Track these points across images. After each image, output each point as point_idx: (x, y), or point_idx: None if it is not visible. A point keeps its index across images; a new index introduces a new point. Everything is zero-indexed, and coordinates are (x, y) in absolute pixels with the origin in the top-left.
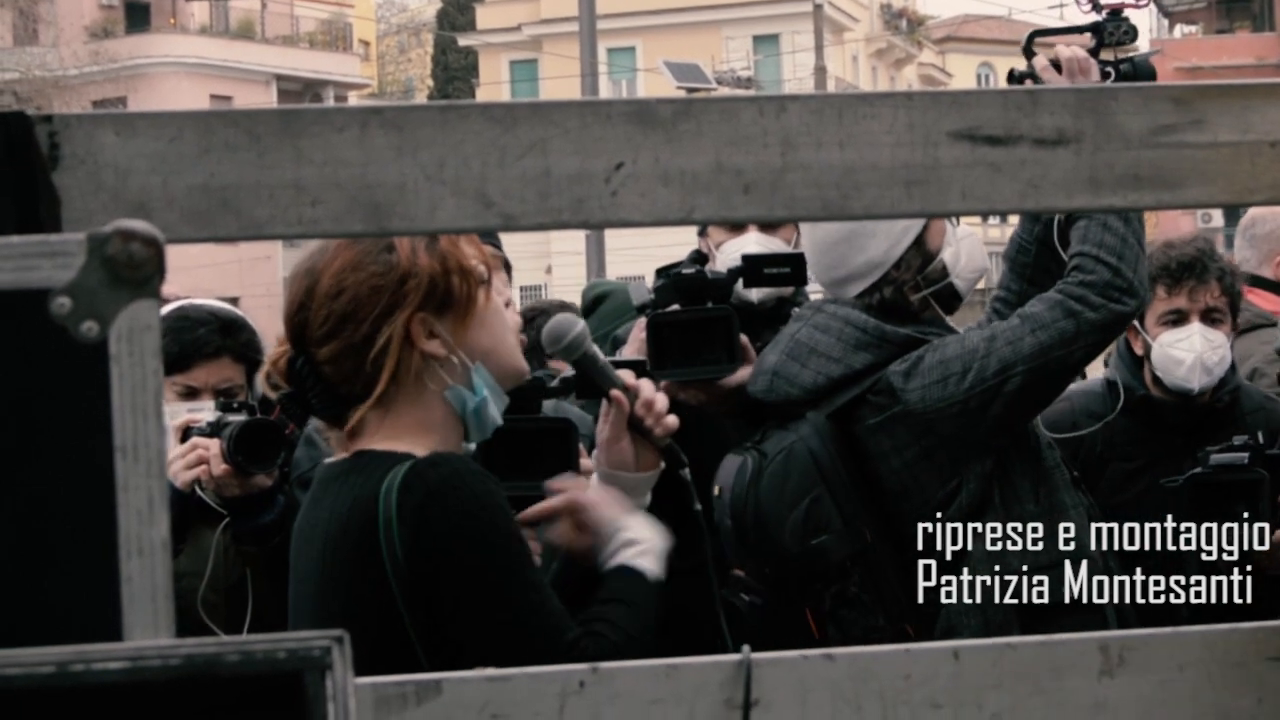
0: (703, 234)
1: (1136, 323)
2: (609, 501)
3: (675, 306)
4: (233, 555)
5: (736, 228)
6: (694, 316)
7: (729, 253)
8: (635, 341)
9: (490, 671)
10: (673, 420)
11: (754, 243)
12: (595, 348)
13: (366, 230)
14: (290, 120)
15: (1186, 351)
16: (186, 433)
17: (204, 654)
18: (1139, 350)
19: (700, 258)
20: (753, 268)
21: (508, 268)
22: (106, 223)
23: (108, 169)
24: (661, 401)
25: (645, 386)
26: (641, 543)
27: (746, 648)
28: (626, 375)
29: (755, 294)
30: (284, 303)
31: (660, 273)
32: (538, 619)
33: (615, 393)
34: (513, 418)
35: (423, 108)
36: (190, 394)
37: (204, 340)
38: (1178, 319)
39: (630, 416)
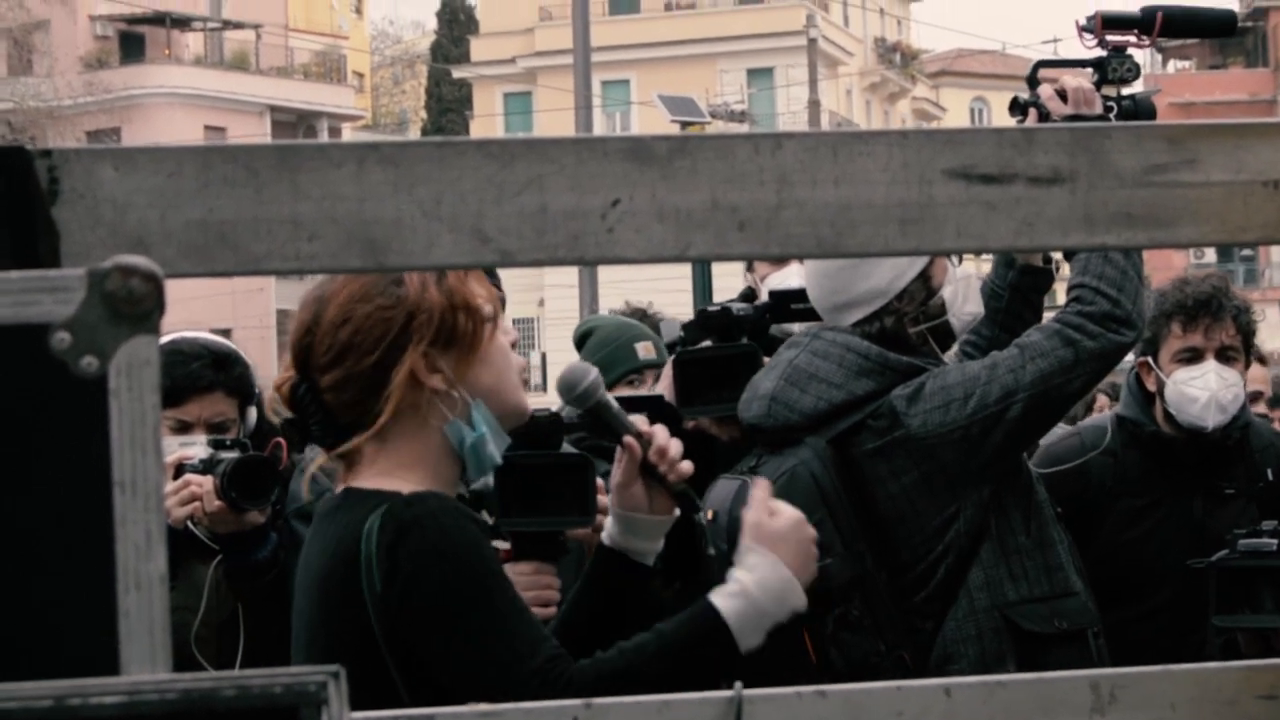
0: (750, 269)
1: (1150, 360)
2: (770, 527)
3: (706, 343)
4: (225, 590)
5: (780, 261)
6: (719, 353)
7: (772, 285)
8: (666, 379)
9: (482, 707)
10: (687, 466)
11: (795, 275)
12: (608, 396)
13: (364, 266)
14: (288, 156)
15: (1201, 390)
16: (180, 469)
17: (200, 689)
18: (1151, 387)
19: (750, 294)
20: (780, 303)
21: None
22: (105, 257)
23: (106, 204)
24: (675, 448)
25: (659, 433)
26: (742, 586)
27: (739, 684)
28: (640, 421)
29: (797, 328)
30: (291, 327)
31: (699, 312)
32: (503, 646)
33: (628, 439)
34: (530, 453)
35: (420, 144)
36: (183, 428)
37: (197, 375)
38: (1192, 357)
39: (644, 462)
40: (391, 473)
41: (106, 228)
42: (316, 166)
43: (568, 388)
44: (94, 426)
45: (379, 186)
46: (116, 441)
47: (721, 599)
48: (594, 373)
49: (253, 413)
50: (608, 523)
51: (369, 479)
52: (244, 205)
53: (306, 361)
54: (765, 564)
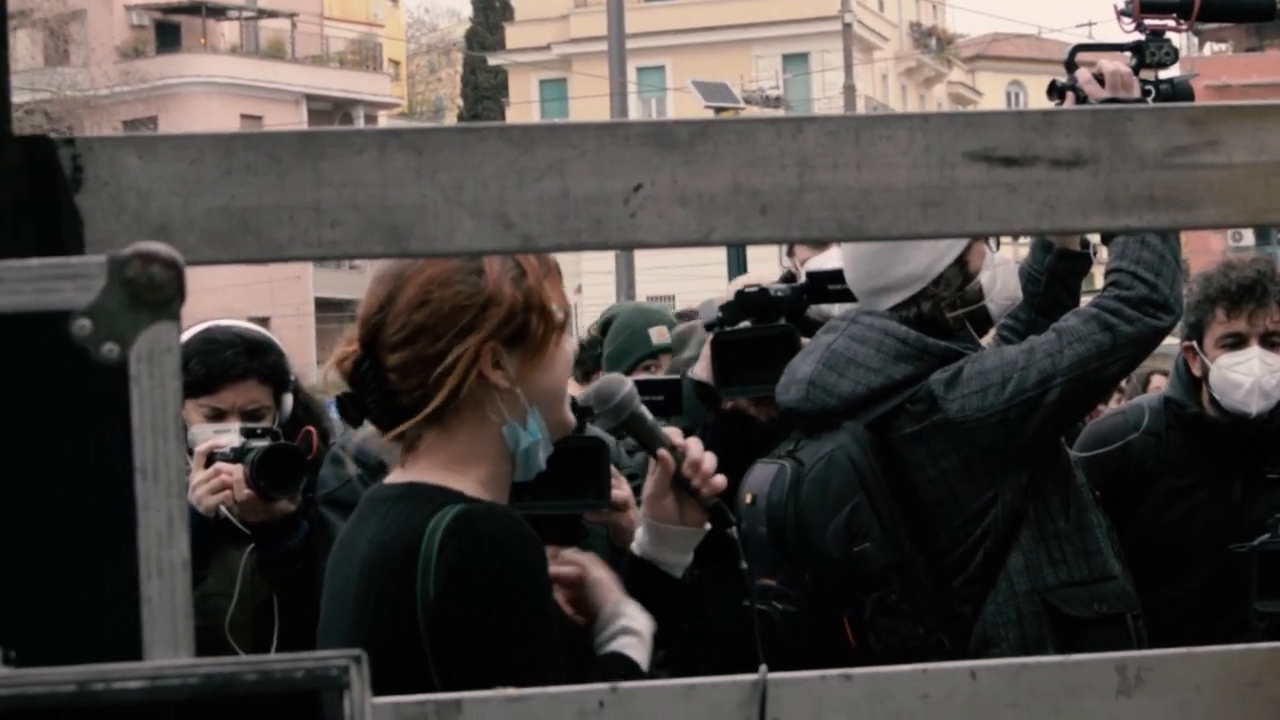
0: (790, 254)
1: (1195, 344)
2: (611, 583)
3: (745, 324)
4: (259, 576)
5: (820, 243)
6: (757, 334)
7: (812, 268)
8: (705, 360)
9: (510, 691)
10: (720, 480)
11: (835, 258)
12: (643, 408)
13: (386, 251)
14: (310, 142)
15: (1245, 375)
16: (210, 458)
17: (222, 673)
18: (1197, 372)
19: (790, 277)
20: (817, 284)
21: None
22: (128, 244)
23: (130, 191)
24: (709, 461)
25: (693, 446)
26: (638, 634)
27: (763, 667)
28: (674, 434)
29: (837, 309)
30: (363, 302)
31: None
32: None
33: (662, 452)
34: None
35: (441, 130)
36: (217, 415)
37: (231, 363)
38: (1237, 342)
39: (677, 475)
40: (451, 466)
41: (130, 215)
42: (338, 153)
43: (601, 400)
44: (115, 413)
45: (401, 173)
46: (138, 428)
47: (633, 651)
48: (628, 385)
49: (288, 399)
50: (638, 533)
51: (431, 471)
52: (266, 192)
53: (375, 338)
54: (633, 609)
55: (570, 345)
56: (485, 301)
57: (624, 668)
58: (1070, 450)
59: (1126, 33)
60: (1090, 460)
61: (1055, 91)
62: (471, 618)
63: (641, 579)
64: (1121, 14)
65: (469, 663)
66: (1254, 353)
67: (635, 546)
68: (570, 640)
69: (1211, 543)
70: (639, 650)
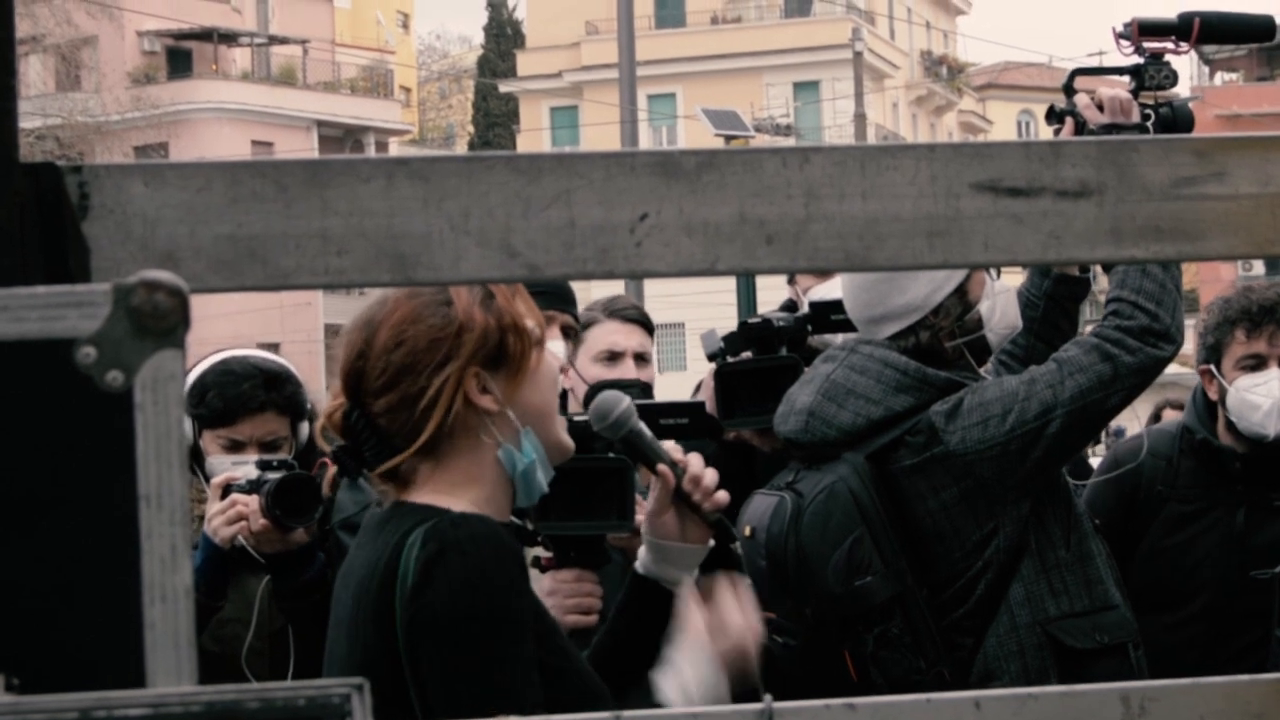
0: (791, 281)
1: (1213, 367)
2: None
3: (746, 355)
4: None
5: (823, 273)
6: (760, 365)
7: (815, 298)
8: (708, 389)
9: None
10: (723, 496)
11: (838, 287)
12: (641, 424)
13: (393, 280)
14: (317, 171)
15: (1264, 397)
16: (227, 489)
17: (224, 701)
18: (1213, 395)
19: (791, 305)
20: (820, 314)
21: (574, 333)
22: (135, 272)
23: (136, 219)
24: (710, 477)
25: (694, 462)
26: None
27: (768, 697)
28: (675, 450)
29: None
30: (340, 355)
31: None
32: (504, 704)
33: (662, 468)
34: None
35: (448, 159)
36: (235, 447)
37: (249, 395)
38: (1256, 364)
39: (678, 491)
40: (445, 491)
41: (136, 243)
42: (345, 181)
43: (600, 416)
44: (119, 441)
45: (408, 201)
46: (142, 455)
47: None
48: (626, 401)
49: (304, 428)
50: (640, 551)
51: (422, 495)
52: (273, 220)
53: (358, 387)
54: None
55: (553, 361)
56: (458, 330)
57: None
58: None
59: (1125, 56)
60: (1106, 483)
61: (1054, 117)
62: (436, 627)
63: (644, 597)
64: (1120, 37)
65: (438, 674)
66: (1274, 374)
67: (638, 564)
68: (556, 645)
69: (1212, 570)
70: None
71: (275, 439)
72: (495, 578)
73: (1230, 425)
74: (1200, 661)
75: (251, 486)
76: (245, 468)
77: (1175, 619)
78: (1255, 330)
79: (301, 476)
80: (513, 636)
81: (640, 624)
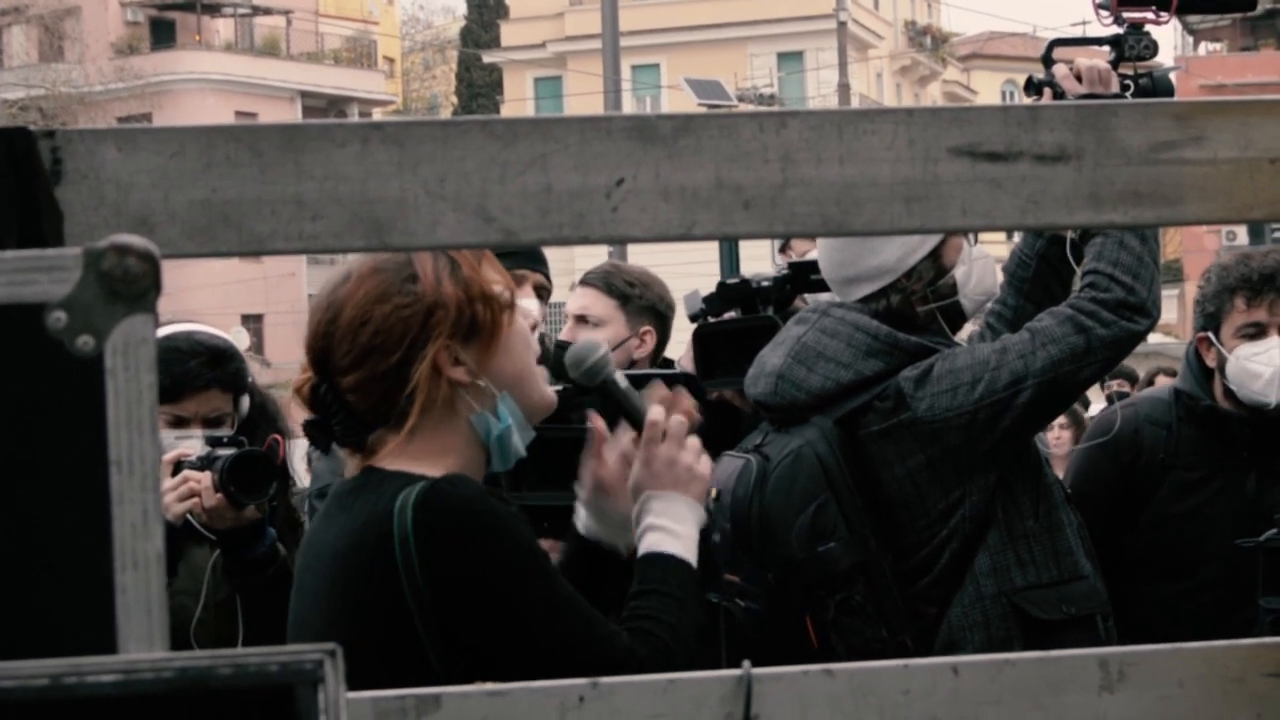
0: (783, 250)
1: (1211, 335)
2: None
3: (729, 315)
4: (225, 578)
5: (814, 238)
6: (739, 326)
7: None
8: (689, 351)
9: (490, 686)
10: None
11: None
12: (618, 373)
13: (368, 245)
14: (292, 136)
15: (1265, 365)
16: (178, 466)
17: (197, 667)
18: (1211, 363)
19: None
20: (800, 275)
21: (546, 292)
22: (108, 237)
23: (109, 184)
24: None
25: (674, 424)
26: (666, 530)
27: (747, 663)
28: (655, 409)
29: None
30: (306, 331)
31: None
32: (585, 635)
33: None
34: (543, 426)
35: (423, 123)
36: (179, 423)
37: (195, 373)
38: (1256, 332)
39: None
40: (420, 456)
41: (110, 208)
42: (320, 146)
43: (576, 363)
44: (90, 406)
45: (383, 166)
46: (113, 421)
47: (669, 546)
48: (602, 349)
49: (245, 402)
50: (580, 512)
51: (395, 462)
52: (247, 185)
53: (325, 364)
54: (663, 503)
55: (524, 322)
56: (429, 308)
57: (663, 567)
58: (1044, 448)
59: (1105, 26)
60: (1101, 454)
61: (1032, 87)
62: (471, 578)
63: (586, 560)
64: (1099, 7)
65: (496, 636)
66: (1274, 343)
67: (580, 526)
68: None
69: (1221, 537)
70: (674, 544)
71: (219, 415)
72: (511, 524)
73: (1228, 393)
74: (1211, 630)
75: (203, 463)
76: (192, 443)
77: (1183, 587)
78: (1255, 298)
79: (256, 453)
80: (549, 569)
81: (579, 586)
